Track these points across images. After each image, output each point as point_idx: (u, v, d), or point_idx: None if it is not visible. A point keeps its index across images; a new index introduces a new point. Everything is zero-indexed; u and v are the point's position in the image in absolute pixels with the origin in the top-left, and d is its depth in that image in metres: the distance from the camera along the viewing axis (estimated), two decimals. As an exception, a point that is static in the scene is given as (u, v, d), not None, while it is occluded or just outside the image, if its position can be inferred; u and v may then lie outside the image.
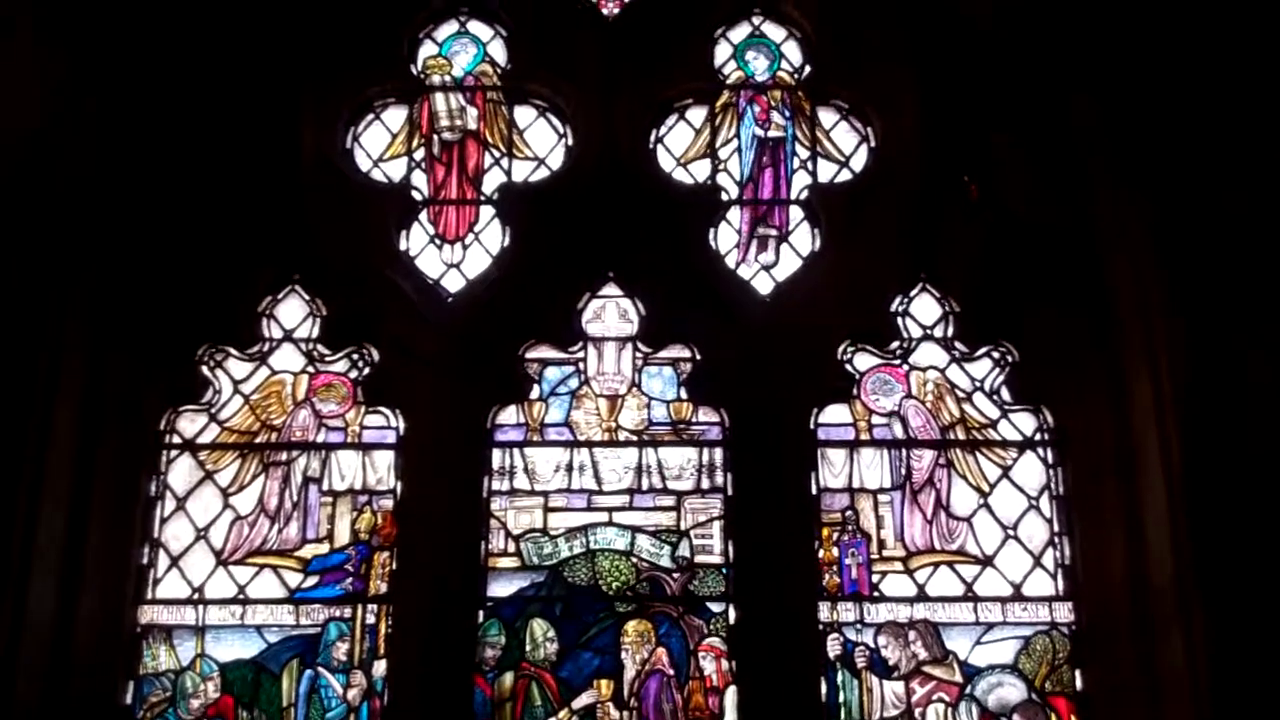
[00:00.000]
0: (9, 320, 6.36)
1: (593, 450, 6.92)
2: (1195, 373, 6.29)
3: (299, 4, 7.34)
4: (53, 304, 6.53)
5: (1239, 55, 6.57)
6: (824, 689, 6.47)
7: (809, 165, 7.41)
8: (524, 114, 7.52)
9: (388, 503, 6.81)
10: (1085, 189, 6.93)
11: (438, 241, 7.29)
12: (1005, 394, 6.99)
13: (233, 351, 7.06)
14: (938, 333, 7.10)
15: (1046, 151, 7.08)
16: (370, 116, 7.51)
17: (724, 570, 6.69)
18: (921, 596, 6.65)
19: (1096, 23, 6.77)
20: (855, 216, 7.17)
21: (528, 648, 6.58)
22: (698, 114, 7.52)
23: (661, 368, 7.07)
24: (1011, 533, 6.77)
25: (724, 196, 7.34)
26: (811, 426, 6.90)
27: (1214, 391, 6.25)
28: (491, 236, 7.28)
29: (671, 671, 6.55)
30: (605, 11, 7.60)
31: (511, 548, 6.75)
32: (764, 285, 7.18)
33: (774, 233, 7.30)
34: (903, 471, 6.87)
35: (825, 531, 6.74)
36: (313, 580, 6.71)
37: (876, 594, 6.66)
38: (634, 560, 6.72)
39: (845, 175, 7.39)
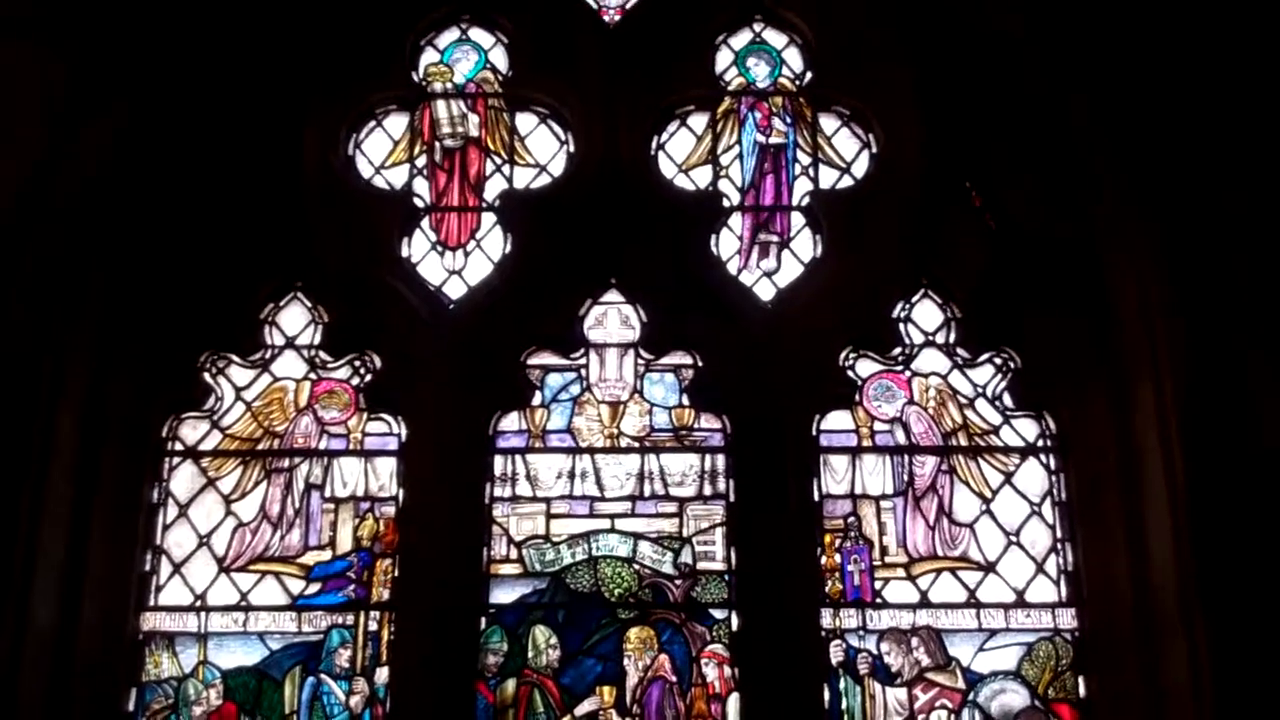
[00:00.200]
0: (12, 327, 6.35)
1: (595, 457, 6.92)
2: (1197, 378, 6.30)
3: (301, 12, 7.34)
4: (56, 311, 6.53)
5: (1240, 59, 6.59)
6: (826, 696, 6.46)
7: (810, 171, 7.41)
8: (525, 121, 7.53)
9: (390, 509, 6.81)
10: (1087, 195, 6.92)
11: (440, 248, 7.30)
12: (1007, 400, 7.00)
13: (235, 358, 7.07)
14: (940, 339, 7.11)
15: (1048, 157, 7.08)
16: (372, 123, 7.52)
17: (726, 577, 6.68)
18: (924, 603, 6.65)
19: (1097, 28, 6.77)
20: (857, 223, 7.17)
21: (530, 654, 6.58)
22: (699, 120, 7.53)
23: (663, 374, 7.07)
24: (1014, 539, 6.77)
25: (725, 203, 7.34)
26: (813, 433, 6.89)
27: (1216, 397, 6.25)
28: (493, 243, 7.28)
29: (674, 678, 6.55)
30: (606, 18, 7.60)
31: (514, 554, 6.75)
32: (766, 291, 7.18)
33: (776, 239, 7.30)
34: (905, 478, 6.87)
35: (827, 538, 6.73)
36: (315, 587, 6.71)
37: (879, 600, 6.65)
38: (636, 567, 6.72)
39: (847, 181, 7.39)
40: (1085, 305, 6.92)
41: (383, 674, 6.53)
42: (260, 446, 6.94)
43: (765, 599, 6.55)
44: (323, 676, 6.56)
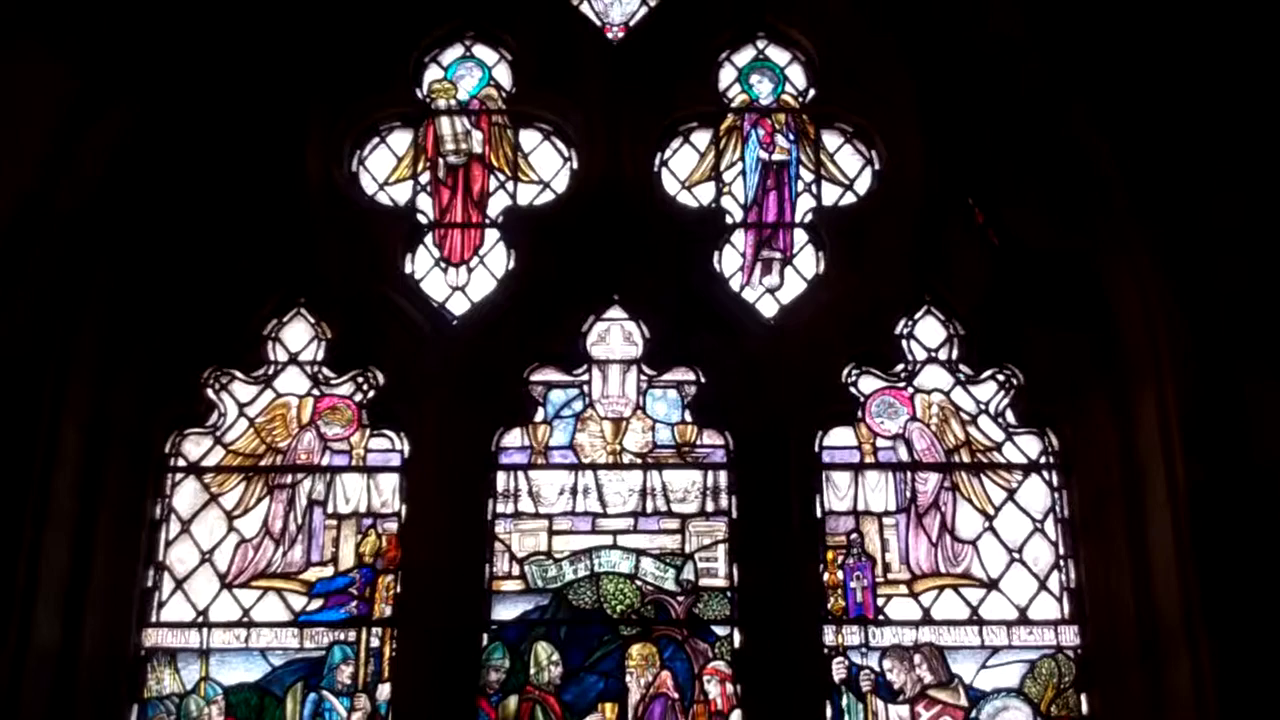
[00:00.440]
0: (15, 343, 6.36)
1: (597, 473, 6.92)
2: (1200, 394, 6.29)
3: (304, 28, 7.36)
4: (59, 326, 6.54)
5: (1243, 77, 6.59)
6: (829, 713, 6.45)
7: (813, 188, 7.42)
8: (529, 137, 7.54)
9: (392, 526, 6.81)
10: (1089, 212, 6.93)
11: (443, 264, 7.31)
12: (1010, 416, 6.99)
13: (238, 374, 7.07)
14: (942, 355, 7.10)
15: (1050, 174, 7.08)
16: (375, 140, 7.53)
17: (729, 593, 6.67)
18: (927, 620, 6.64)
19: (1099, 43, 6.78)
20: (859, 239, 7.18)
21: (532, 671, 6.57)
22: (702, 137, 7.54)
23: (666, 390, 7.08)
24: (1017, 556, 6.76)
25: (728, 219, 7.35)
26: (816, 449, 6.89)
27: (1219, 414, 6.24)
28: (496, 259, 7.29)
29: (676, 695, 6.54)
30: (610, 35, 7.63)
31: (516, 571, 6.74)
32: (768, 308, 7.18)
33: (778, 255, 7.31)
34: (908, 494, 6.86)
35: (830, 555, 6.72)
36: (317, 603, 6.70)
37: (881, 617, 6.64)
38: (638, 583, 6.71)
39: (849, 198, 7.40)
40: (1088, 322, 6.92)
41: (384, 690, 6.53)
42: (263, 463, 6.94)
43: (767, 616, 6.54)
44: (324, 693, 6.55)
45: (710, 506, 6.85)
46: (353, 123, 7.46)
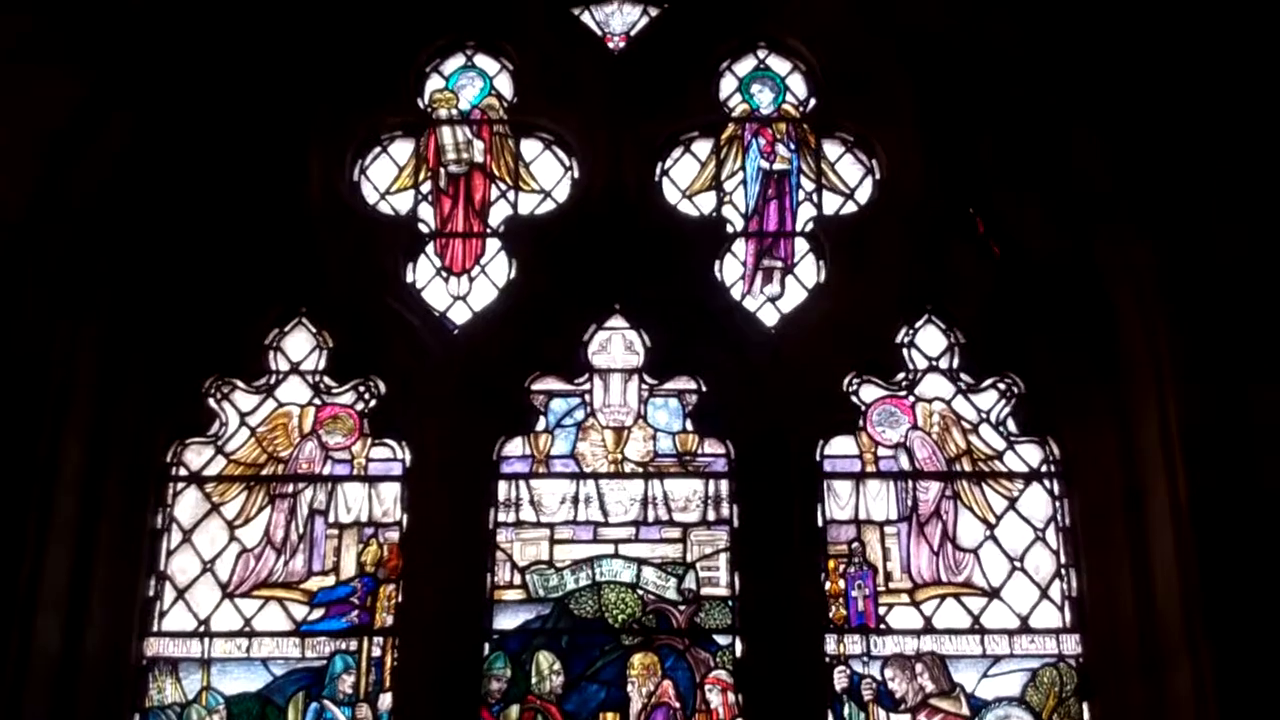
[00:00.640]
0: (17, 351, 6.36)
1: (599, 482, 6.93)
2: (1201, 404, 6.28)
3: (307, 38, 7.37)
4: (60, 335, 6.54)
5: (1241, 83, 6.60)
6: (830, 722, 6.46)
7: (814, 197, 7.43)
8: (530, 147, 7.56)
9: (394, 535, 6.81)
10: (1090, 221, 6.93)
11: (444, 274, 7.32)
12: (1011, 425, 6.99)
13: (239, 384, 7.08)
14: (943, 364, 7.11)
15: (1051, 183, 7.09)
16: (377, 150, 7.55)
17: (730, 603, 6.67)
18: (928, 629, 6.63)
19: (1099, 54, 6.79)
20: (860, 248, 7.19)
21: (533, 680, 6.56)
22: (703, 147, 7.55)
23: (667, 399, 7.08)
24: (1018, 565, 6.76)
25: (729, 229, 7.36)
26: (817, 458, 6.89)
27: (1220, 422, 6.23)
28: (498, 269, 7.31)
29: (678, 704, 6.53)
30: (611, 45, 7.65)
31: (517, 580, 6.74)
32: (769, 317, 7.19)
33: (779, 265, 7.32)
34: (909, 503, 6.86)
35: (831, 564, 6.72)
36: (318, 613, 6.70)
37: (883, 626, 6.64)
38: (640, 592, 6.71)
39: (850, 207, 7.42)
40: (1089, 331, 6.92)
41: (386, 700, 6.52)
42: (264, 472, 6.95)
43: (769, 625, 6.54)
44: (326, 703, 6.54)
45: (711, 515, 6.85)
46: (355, 132, 7.48)
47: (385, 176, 7.51)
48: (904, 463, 6.94)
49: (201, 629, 6.67)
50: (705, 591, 6.71)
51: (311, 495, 6.91)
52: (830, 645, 6.57)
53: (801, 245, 7.35)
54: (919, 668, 6.57)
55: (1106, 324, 6.89)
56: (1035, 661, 6.59)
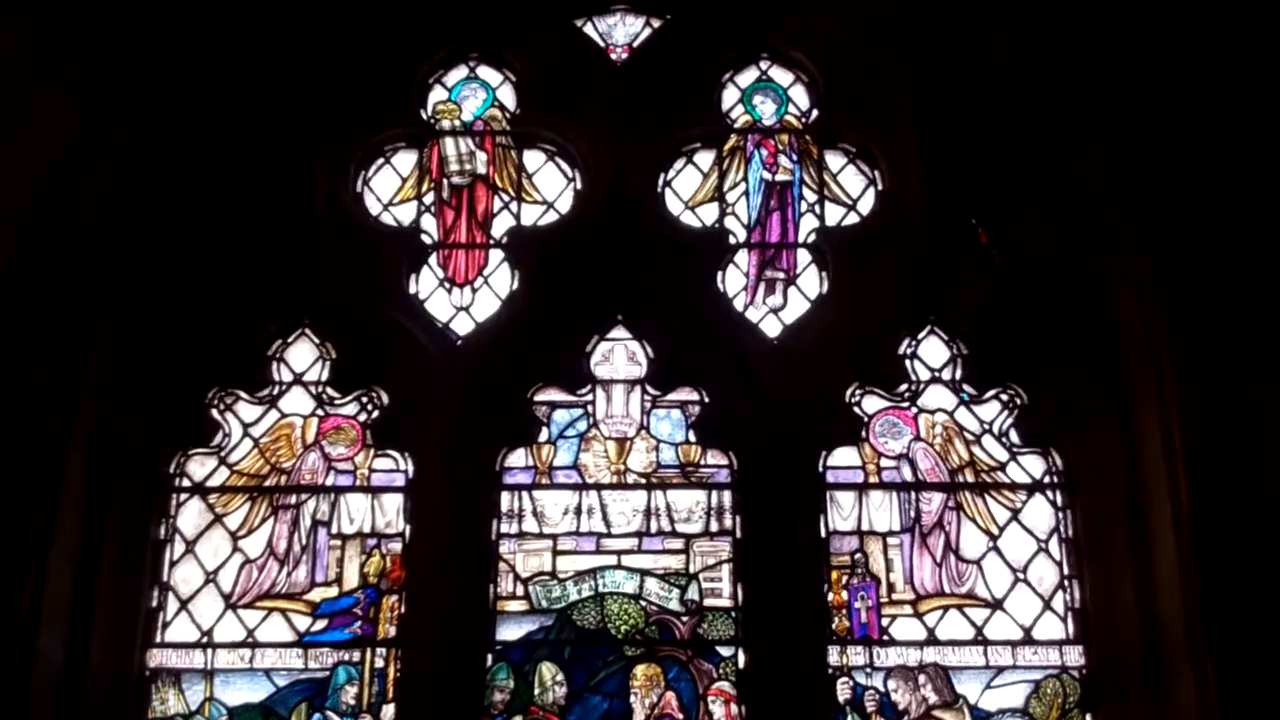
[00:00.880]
0: (21, 363, 6.37)
1: (601, 493, 6.92)
2: (1203, 414, 6.29)
3: (310, 49, 7.38)
4: (64, 346, 6.56)
5: (1238, 94, 6.62)
6: (834, 733, 6.45)
7: (816, 208, 7.44)
8: (533, 158, 7.57)
9: (396, 546, 6.80)
10: (1091, 231, 6.94)
11: (447, 285, 7.32)
12: (1014, 436, 6.99)
13: (242, 395, 7.08)
14: (946, 375, 7.11)
15: (1053, 194, 7.10)
16: (380, 161, 7.56)
17: (733, 614, 6.67)
18: (931, 640, 6.63)
19: (1101, 66, 6.81)
20: (863, 259, 7.20)
21: (536, 691, 6.56)
22: (705, 158, 7.56)
23: (670, 410, 7.08)
24: (1021, 576, 6.76)
25: (732, 240, 7.37)
26: (820, 469, 6.89)
27: (1222, 432, 6.24)
28: (501, 280, 7.31)
29: (681, 716, 6.52)
30: (614, 56, 7.66)
31: (520, 591, 6.74)
32: (772, 328, 7.19)
33: (782, 276, 7.32)
34: (912, 514, 6.86)
35: (834, 575, 6.72)
36: (321, 624, 6.70)
37: (886, 637, 6.64)
38: (643, 603, 6.71)
39: (852, 218, 7.42)
40: (1090, 341, 6.94)
41: (389, 711, 6.51)
42: (267, 483, 6.94)
43: (772, 636, 6.53)
44: (329, 714, 6.54)
45: (714, 526, 6.85)
46: (358, 144, 7.48)
47: (388, 188, 7.51)
48: (907, 474, 6.94)
49: (204, 640, 6.67)
50: (708, 603, 6.71)
51: (314, 506, 6.91)
52: (833, 656, 6.57)
53: (804, 256, 7.36)
54: (922, 679, 6.56)
55: (1108, 335, 6.90)
56: (1038, 673, 6.59)
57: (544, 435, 7.02)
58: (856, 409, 7.03)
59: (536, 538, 6.83)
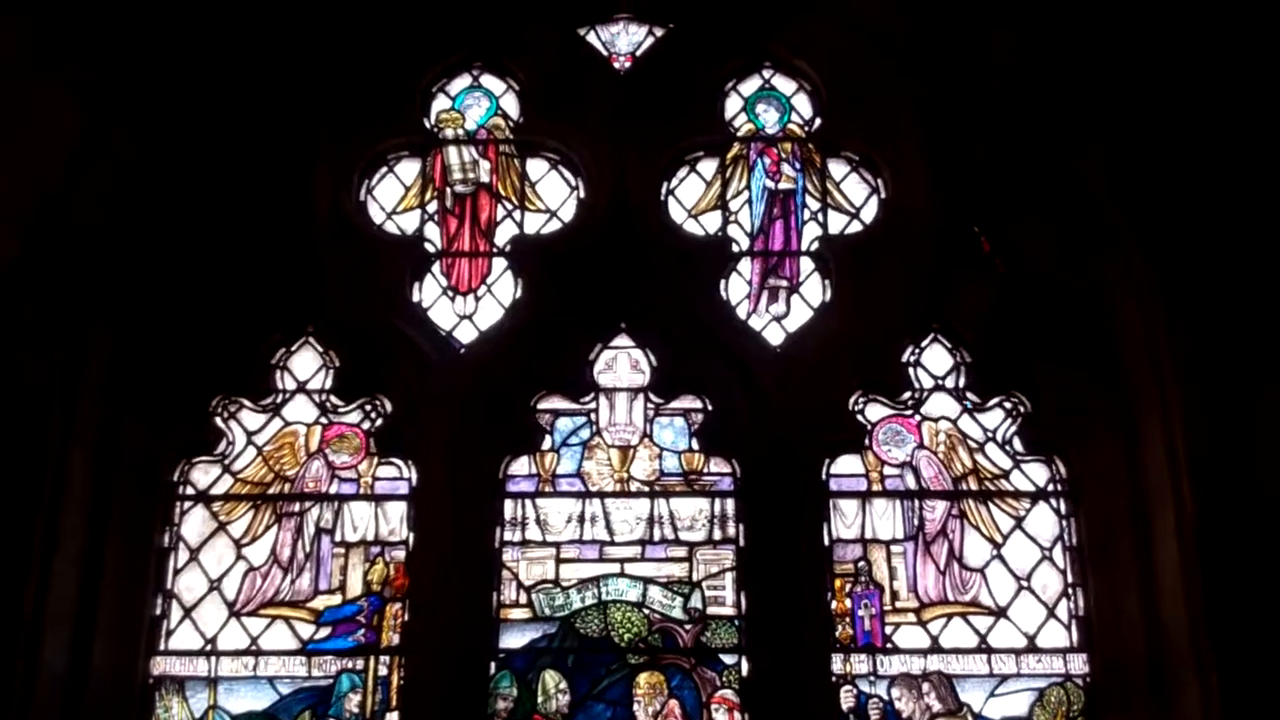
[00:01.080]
0: (23, 370, 6.38)
1: (604, 501, 6.93)
2: (1206, 422, 6.28)
3: (313, 58, 7.40)
4: (66, 354, 6.57)
5: (1241, 104, 6.61)
6: (837, 742, 6.45)
7: (819, 217, 7.44)
8: (536, 167, 7.58)
9: (400, 554, 6.81)
10: (1094, 239, 6.94)
11: (450, 293, 7.33)
12: (1017, 444, 6.99)
13: (246, 403, 7.09)
14: (949, 383, 7.11)
15: (1056, 202, 7.10)
16: (384, 169, 7.57)
17: (736, 622, 6.67)
18: (935, 648, 6.63)
19: (1101, 75, 6.80)
20: (866, 267, 7.21)
21: (540, 699, 6.56)
22: (708, 166, 7.57)
23: (673, 418, 7.09)
24: (1025, 584, 6.75)
25: (735, 248, 7.37)
26: (823, 477, 6.89)
27: (1225, 439, 6.24)
28: (504, 288, 7.32)
29: (684, 724, 6.54)
30: (617, 65, 7.68)
31: (523, 599, 6.74)
32: (775, 336, 7.19)
33: (785, 284, 7.33)
34: (915, 522, 6.86)
35: (838, 583, 6.72)
36: (325, 632, 6.70)
37: (890, 646, 6.63)
38: (646, 611, 6.71)
39: (856, 226, 7.43)
40: (1093, 349, 6.93)
41: (393, 719, 6.51)
42: (271, 491, 6.96)
43: (775, 644, 6.53)
44: (332, 721, 6.56)
45: (718, 534, 6.85)
46: (361, 152, 7.50)
47: (391, 196, 7.53)
48: (910, 482, 6.94)
49: (208, 648, 6.67)
50: (711, 610, 6.71)
51: (318, 514, 6.91)
52: (837, 664, 6.56)
53: (807, 264, 7.36)
54: (926, 687, 6.56)
55: (1110, 342, 6.89)
56: (1042, 681, 6.58)
57: (547, 443, 7.02)
58: (860, 417, 7.03)
59: (540, 546, 6.84)
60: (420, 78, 7.67)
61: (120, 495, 6.72)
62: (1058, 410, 6.95)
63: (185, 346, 7.02)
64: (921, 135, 7.37)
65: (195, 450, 7.00)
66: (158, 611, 6.72)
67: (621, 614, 6.70)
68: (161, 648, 6.67)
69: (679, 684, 6.58)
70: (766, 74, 7.74)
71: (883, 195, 7.44)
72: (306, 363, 7.20)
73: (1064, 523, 6.85)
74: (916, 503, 6.89)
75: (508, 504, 6.89)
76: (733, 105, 7.69)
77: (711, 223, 7.46)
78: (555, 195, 7.51)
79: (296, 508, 6.92)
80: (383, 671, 6.60)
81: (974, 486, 6.92)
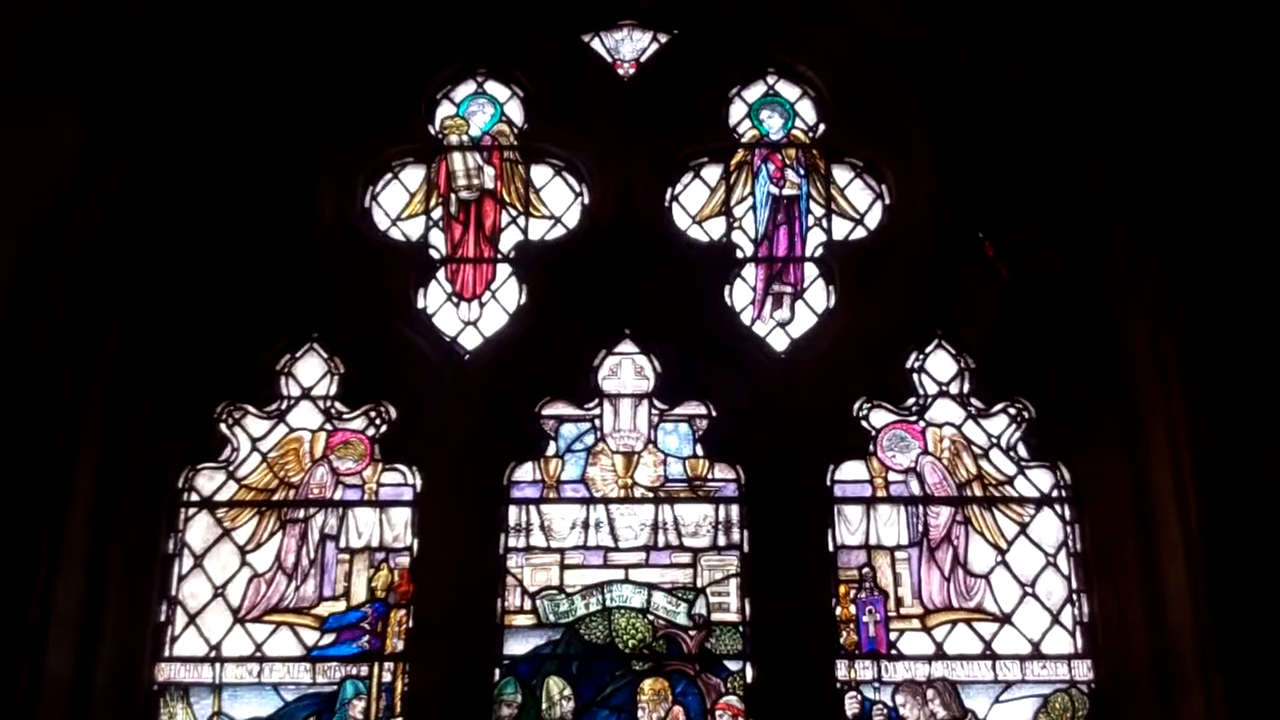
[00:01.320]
0: (28, 378, 6.38)
1: (609, 507, 6.92)
2: (1211, 428, 6.27)
3: (317, 65, 7.41)
4: (72, 361, 6.57)
5: (1248, 110, 6.61)
6: (842, 748, 6.44)
7: (824, 222, 7.44)
8: (540, 173, 7.58)
9: (404, 560, 6.81)
10: (1098, 245, 6.94)
11: (455, 299, 7.33)
12: (1022, 450, 6.98)
13: (251, 409, 7.09)
14: (954, 389, 7.10)
15: (1060, 207, 7.10)
16: (388, 176, 7.58)
17: (741, 628, 6.66)
18: (939, 654, 6.62)
19: (1106, 81, 6.80)
20: (870, 273, 7.20)
21: (544, 706, 6.55)
22: (713, 172, 7.57)
23: (677, 424, 7.08)
24: (1029, 590, 6.75)
25: (739, 254, 7.37)
26: (828, 483, 6.88)
27: (1231, 447, 6.22)
28: (508, 294, 7.32)
29: (688, 730, 6.53)
30: (621, 72, 7.68)
31: (528, 605, 6.74)
32: (779, 342, 7.19)
33: (789, 290, 7.32)
34: (920, 528, 6.85)
35: (842, 589, 6.71)
36: (329, 638, 6.70)
37: (894, 652, 6.63)
38: (650, 618, 6.71)
39: (860, 232, 7.42)
40: (1099, 355, 6.93)
41: (397, 726, 6.53)
42: (276, 497, 6.95)
43: (780, 650, 6.53)
44: (337, 727, 6.56)
45: (722, 540, 6.84)
46: (365, 159, 7.50)
47: (396, 203, 7.53)
48: (915, 488, 6.93)
49: (213, 654, 6.67)
50: (716, 617, 6.70)
51: (323, 520, 6.92)
52: (841, 671, 6.55)
53: (811, 270, 7.36)
54: (930, 693, 6.55)
55: (1115, 347, 6.89)
56: (1047, 687, 6.57)
57: (551, 449, 7.02)
58: (864, 423, 7.02)
59: (544, 552, 6.84)
60: (425, 84, 7.68)
61: (125, 502, 6.72)
62: (1062, 416, 6.94)
63: (190, 353, 7.03)
64: (926, 141, 7.36)
65: (200, 457, 7.00)
66: (162, 618, 6.72)
67: (626, 620, 6.70)
68: (166, 654, 6.68)
69: (683, 690, 6.58)
70: (771, 80, 7.74)
71: (887, 201, 7.43)
72: (311, 369, 7.20)
73: (1068, 529, 6.84)
74: (921, 509, 6.89)
75: (512, 510, 6.89)
76: (737, 111, 7.69)
77: (716, 229, 7.46)
78: (560, 201, 7.52)
79: (301, 514, 6.93)
80: (387, 678, 6.60)
81: (978, 492, 6.91)
